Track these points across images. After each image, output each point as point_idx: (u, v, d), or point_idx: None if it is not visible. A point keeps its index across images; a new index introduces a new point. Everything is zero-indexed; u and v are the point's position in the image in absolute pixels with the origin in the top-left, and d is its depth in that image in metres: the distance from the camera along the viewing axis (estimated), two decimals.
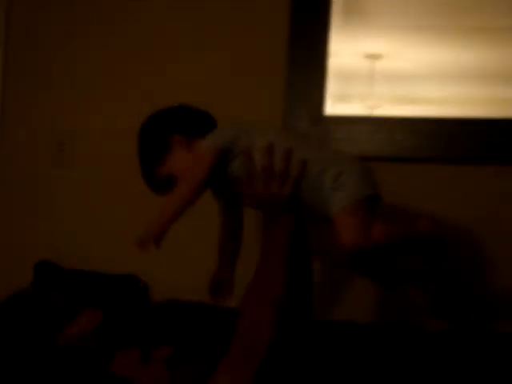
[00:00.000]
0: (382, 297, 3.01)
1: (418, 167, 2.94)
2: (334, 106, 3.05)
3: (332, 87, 3.03)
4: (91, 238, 3.28)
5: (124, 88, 3.30)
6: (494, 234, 2.91)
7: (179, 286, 3.05)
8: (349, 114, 3.07)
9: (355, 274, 2.81)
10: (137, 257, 3.00)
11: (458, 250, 2.87)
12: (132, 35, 3.33)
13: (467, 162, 2.92)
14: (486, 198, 2.93)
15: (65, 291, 2.94)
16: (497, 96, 2.96)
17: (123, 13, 3.34)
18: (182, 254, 3.16)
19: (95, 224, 3.30)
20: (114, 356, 2.48)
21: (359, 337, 2.78)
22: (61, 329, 2.74)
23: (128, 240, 3.02)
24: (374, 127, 3.00)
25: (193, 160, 2.38)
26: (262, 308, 2.29)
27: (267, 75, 3.09)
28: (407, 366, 2.66)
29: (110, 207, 3.27)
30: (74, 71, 3.34)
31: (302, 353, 2.53)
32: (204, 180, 2.36)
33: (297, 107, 3.05)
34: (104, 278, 3.10)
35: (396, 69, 3.13)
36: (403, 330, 2.84)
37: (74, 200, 3.33)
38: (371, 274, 2.48)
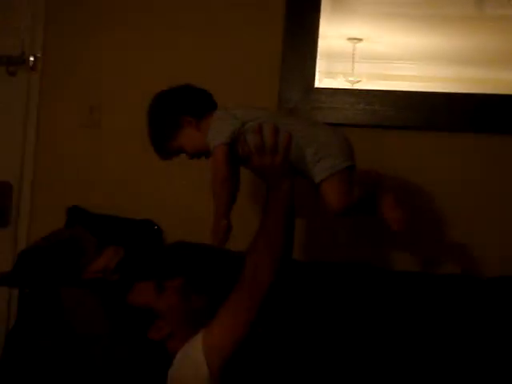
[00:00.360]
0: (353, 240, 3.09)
1: (391, 133, 3.01)
2: (321, 80, 3.13)
3: (320, 65, 3.11)
4: (114, 188, 3.29)
5: (139, 63, 3.30)
6: (457, 189, 2.96)
7: (187, 231, 3.08)
8: (334, 87, 3.14)
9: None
10: (152, 205, 3.24)
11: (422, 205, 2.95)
12: (149, 23, 3.31)
13: (434, 129, 2.99)
14: (452, 159, 2.99)
15: (92, 231, 2.97)
16: (459, 75, 3.06)
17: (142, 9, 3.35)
18: (189, 205, 3.20)
19: (118, 176, 3.31)
20: (132, 287, 2.53)
21: (333, 275, 2.89)
22: (88, 263, 2.82)
23: (144, 190, 3.27)
24: (355, 98, 3.07)
25: (212, 162, 2.41)
26: (265, 252, 2.32)
27: (268, 54, 3.13)
28: (373, 302, 2.77)
29: (132, 163, 3.26)
30: (103, 47, 3.35)
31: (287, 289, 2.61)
32: (229, 174, 2.41)
33: (292, 81, 3.11)
34: (125, 221, 3.21)
35: (373, 51, 3.20)
36: (371, 270, 2.93)
37: (100, 154, 3.34)
38: (357, 213, 2.51)
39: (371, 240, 3.04)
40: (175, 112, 2.50)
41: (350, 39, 3.18)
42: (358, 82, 3.16)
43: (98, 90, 3.38)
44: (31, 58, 3.41)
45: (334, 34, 3.16)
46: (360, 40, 3.17)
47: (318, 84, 3.13)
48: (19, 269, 2.92)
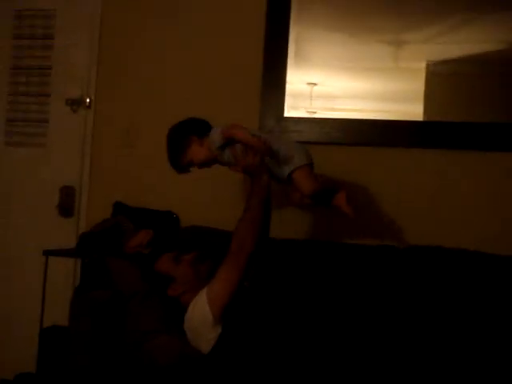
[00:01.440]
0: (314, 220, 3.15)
1: (339, 148, 3.10)
2: (289, 112, 3.20)
3: (288, 101, 3.19)
4: (146, 188, 3.36)
5: (157, 104, 3.39)
6: (389, 189, 3.03)
7: (197, 218, 3.14)
8: (298, 116, 3.20)
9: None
10: (172, 201, 3.29)
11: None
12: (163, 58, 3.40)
13: (368, 145, 3.08)
14: (377, 166, 3.06)
15: (130, 219, 3.12)
16: (382, 108, 3.10)
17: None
18: (197, 201, 3.25)
19: (147, 180, 3.36)
20: (159, 257, 2.63)
21: (298, 251, 2.94)
22: (128, 241, 2.99)
23: (166, 190, 3.29)
24: (312, 124, 3.17)
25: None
26: (247, 230, 2.44)
27: (251, 93, 3.22)
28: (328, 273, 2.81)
29: (158, 171, 3.20)
30: (135, 94, 3.44)
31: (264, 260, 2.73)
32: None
33: (267, 112, 3.22)
34: (153, 212, 3.30)
35: (325, 91, 3.21)
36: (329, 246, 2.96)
37: (135, 165, 3.41)
38: (322, 202, 2.56)
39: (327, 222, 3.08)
40: (183, 134, 2.64)
41: (308, 83, 3.21)
42: (314, 112, 3.18)
43: (132, 121, 3.44)
44: (87, 100, 3.54)
45: (297, 80, 3.20)
46: (315, 84, 3.19)
47: (286, 114, 3.20)
48: (81, 246, 3.06)
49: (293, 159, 2.55)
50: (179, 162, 2.66)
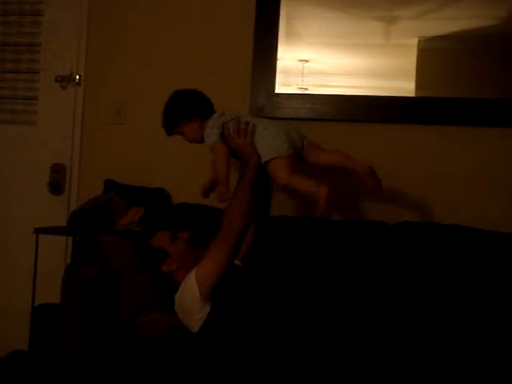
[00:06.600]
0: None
1: (329, 125, 3.11)
2: (280, 88, 3.21)
3: (279, 77, 3.20)
4: (137, 165, 3.36)
5: (147, 83, 3.38)
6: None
7: (187, 195, 3.13)
8: (289, 93, 3.20)
9: None
10: (162, 177, 3.32)
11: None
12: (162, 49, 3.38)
13: (360, 121, 3.09)
14: (363, 142, 3.06)
15: (121, 197, 3.16)
16: (372, 84, 3.09)
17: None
18: (188, 178, 3.24)
19: (138, 157, 3.37)
20: (155, 234, 2.63)
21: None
22: (119, 218, 3.03)
23: (157, 167, 3.33)
24: (303, 100, 3.18)
25: (216, 155, 2.56)
26: (236, 210, 2.43)
27: (242, 70, 3.22)
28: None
29: (148, 148, 3.31)
30: (125, 69, 3.43)
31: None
32: (229, 155, 2.57)
33: (259, 88, 3.23)
34: (143, 189, 3.31)
35: (316, 68, 3.19)
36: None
37: (126, 143, 3.41)
38: None
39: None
40: (188, 111, 2.62)
41: (299, 60, 3.19)
42: (306, 89, 3.19)
43: (123, 98, 3.43)
44: (77, 77, 3.52)
45: (288, 57, 3.20)
46: (307, 61, 3.19)
47: (277, 91, 3.21)
48: (72, 223, 3.05)
49: (271, 146, 2.54)
50: (171, 128, 2.67)
